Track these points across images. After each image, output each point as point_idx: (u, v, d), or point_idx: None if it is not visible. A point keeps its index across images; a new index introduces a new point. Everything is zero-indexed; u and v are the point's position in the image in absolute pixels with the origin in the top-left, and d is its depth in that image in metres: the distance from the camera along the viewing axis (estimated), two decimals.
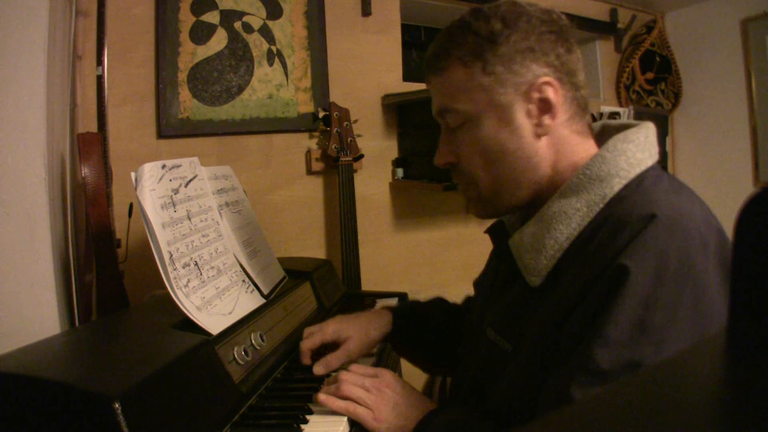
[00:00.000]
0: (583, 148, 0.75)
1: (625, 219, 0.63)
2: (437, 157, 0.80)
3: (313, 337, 0.98)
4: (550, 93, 0.71)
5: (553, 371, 0.65)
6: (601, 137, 0.76)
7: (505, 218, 0.87)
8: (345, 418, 0.77)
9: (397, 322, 1.04)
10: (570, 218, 0.69)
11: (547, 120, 0.72)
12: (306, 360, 0.97)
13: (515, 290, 0.78)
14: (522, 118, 0.72)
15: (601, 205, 0.68)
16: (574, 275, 0.66)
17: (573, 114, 0.74)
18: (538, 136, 0.73)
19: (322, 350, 0.98)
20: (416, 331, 1.05)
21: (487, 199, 0.78)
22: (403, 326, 1.04)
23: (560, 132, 0.73)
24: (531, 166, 0.73)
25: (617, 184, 0.69)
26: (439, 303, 1.13)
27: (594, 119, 0.81)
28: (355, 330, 0.98)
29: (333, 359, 0.93)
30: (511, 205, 0.78)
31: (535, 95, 0.71)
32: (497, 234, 0.86)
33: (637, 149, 0.71)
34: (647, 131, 0.73)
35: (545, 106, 0.72)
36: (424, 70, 0.80)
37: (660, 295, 0.59)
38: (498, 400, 0.74)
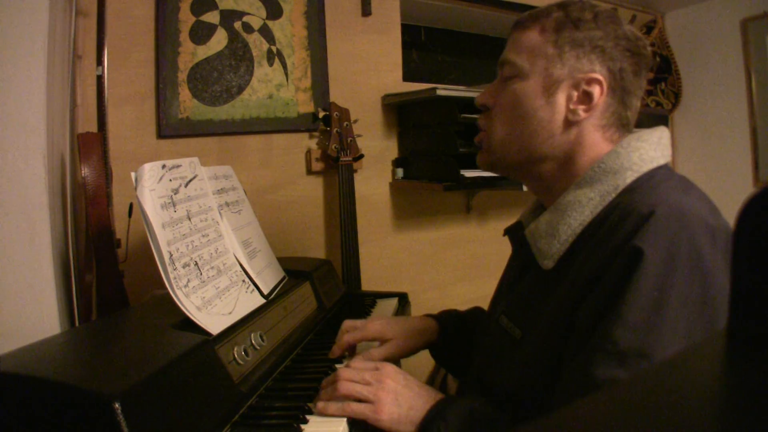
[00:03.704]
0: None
1: (633, 206, 0.67)
2: (479, 96, 0.86)
3: (356, 333, 0.98)
4: (596, 91, 0.76)
5: (571, 354, 0.66)
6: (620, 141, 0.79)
7: (522, 217, 0.91)
8: (345, 419, 0.77)
9: (443, 333, 1.04)
10: (583, 206, 0.73)
11: (581, 111, 0.76)
12: (338, 353, 0.98)
13: (529, 278, 0.81)
14: (561, 99, 0.77)
15: (613, 195, 0.72)
16: (586, 258, 0.69)
17: (610, 124, 0.78)
18: (568, 121, 0.77)
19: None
20: (459, 342, 1.05)
21: (494, 150, 0.83)
22: (447, 338, 1.04)
23: (591, 131, 0.77)
24: (550, 142, 0.78)
25: (629, 177, 0.73)
26: (479, 313, 1.13)
27: None
28: (399, 333, 0.98)
29: (375, 353, 0.94)
30: (516, 168, 0.83)
31: (583, 86, 0.76)
32: (515, 231, 0.89)
33: (650, 148, 0.75)
34: (661, 133, 0.77)
35: (586, 99, 0.76)
36: (512, 24, 0.85)
37: (673, 279, 0.61)
38: (503, 389, 0.75)
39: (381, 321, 1.00)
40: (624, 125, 0.79)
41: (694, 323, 0.60)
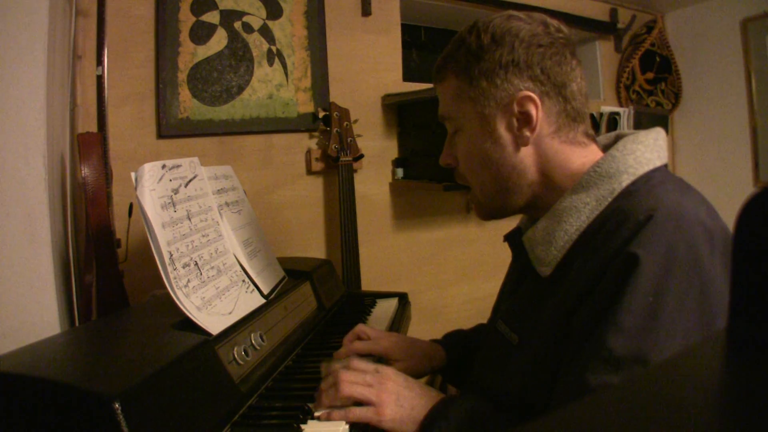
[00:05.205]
0: (580, 155, 0.77)
1: (630, 211, 0.66)
2: (441, 157, 0.87)
3: (368, 343, 0.99)
4: (530, 107, 0.74)
5: (566, 360, 0.66)
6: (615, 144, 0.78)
7: (522, 223, 0.90)
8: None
9: (451, 358, 1.05)
10: (579, 212, 0.72)
11: (526, 132, 0.75)
12: (344, 355, 0.97)
13: (527, 284, 0.81)
14: (503, 130, 0.76)
15: (609, 199, 0.71)
16: (583, 265, 0.68)
17: (562, 125, 0.76)
18: (519, 147, 0.76)
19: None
20: (467, 363, 1.06)
21: (483, 202, 0.83)
22: (456, 362, 1.05)
23: (547, 142, 0.76)
24: (516, 173, 0.77)
25: (625, 180, 0.71)
26: (483, 330, 1.13)
27: (594, 120, 0.83)
28: (406, 356, 0.98)
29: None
30: (506, 208, 0.82)
31: (516, 109, 0.74)
32: (514, 237, 0.88)
33: (646, 150, 0.73)
34: (657, 134, 0.76)
35: (525, 119, 0.75)
36: (432, 77, 0.86)
37: (669, 284, 0.60)
38: (501, 393, 0.75)
39: (391, 339, 1.00)
40: (574, 119, 0.76)
41: (691, 328, 0.60)
